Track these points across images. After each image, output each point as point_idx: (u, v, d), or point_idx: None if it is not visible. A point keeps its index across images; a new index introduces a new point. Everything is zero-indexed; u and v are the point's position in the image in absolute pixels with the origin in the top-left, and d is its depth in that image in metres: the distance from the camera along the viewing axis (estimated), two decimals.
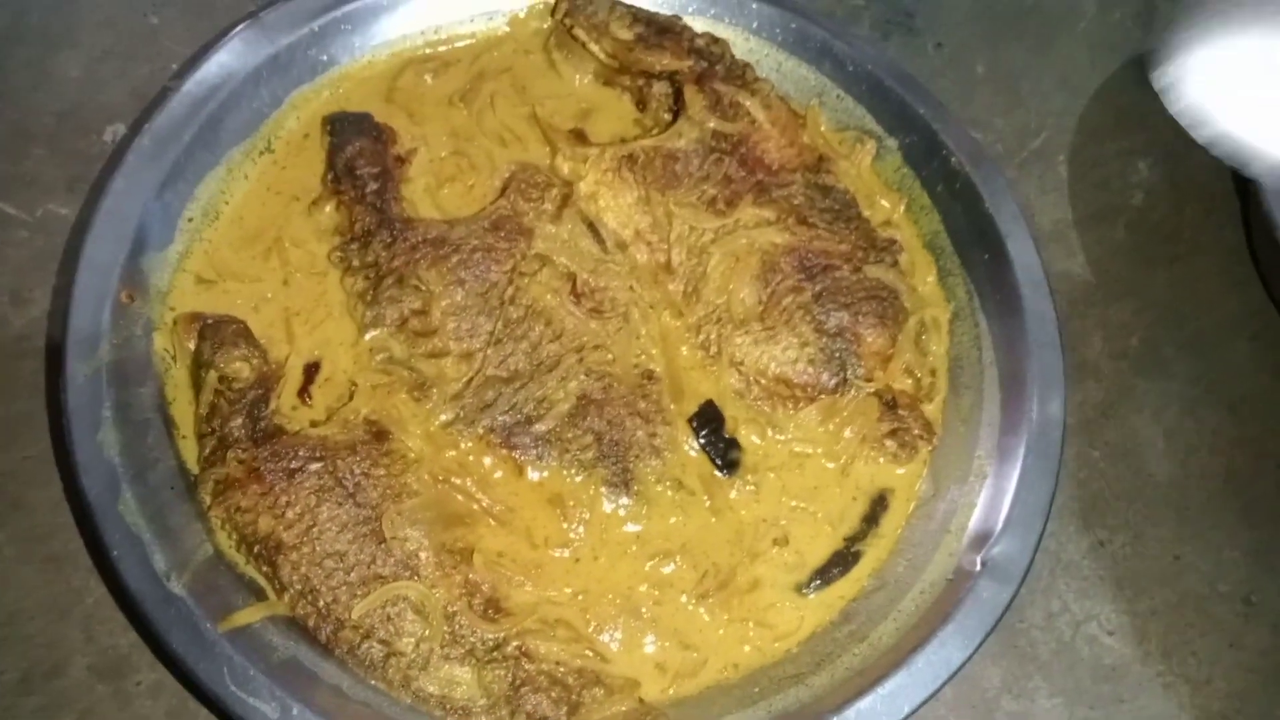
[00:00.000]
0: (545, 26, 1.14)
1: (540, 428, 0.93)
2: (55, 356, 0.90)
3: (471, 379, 0.94)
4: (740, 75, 1.10)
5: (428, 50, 1.11)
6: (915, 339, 1.03)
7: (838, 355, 0.99)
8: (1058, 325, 1.01)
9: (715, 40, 1.11)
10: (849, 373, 0.99)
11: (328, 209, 1.00)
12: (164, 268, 0.96)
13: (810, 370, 0.99)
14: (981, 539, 0.93)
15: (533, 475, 0.93)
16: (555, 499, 0.92)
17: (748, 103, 1.06)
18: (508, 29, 1.14)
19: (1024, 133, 1.28)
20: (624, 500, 0.93)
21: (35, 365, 1.00)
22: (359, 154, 1.00)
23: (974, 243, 1.07)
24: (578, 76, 1.13)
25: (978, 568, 0.91)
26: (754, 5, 1.14)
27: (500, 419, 0.93)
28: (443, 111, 1.08)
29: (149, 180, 0.95)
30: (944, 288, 1.08)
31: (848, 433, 0.99)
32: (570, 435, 0.93)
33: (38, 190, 1.08)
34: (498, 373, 0.94)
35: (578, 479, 0.93)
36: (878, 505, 0.98)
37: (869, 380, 0.99)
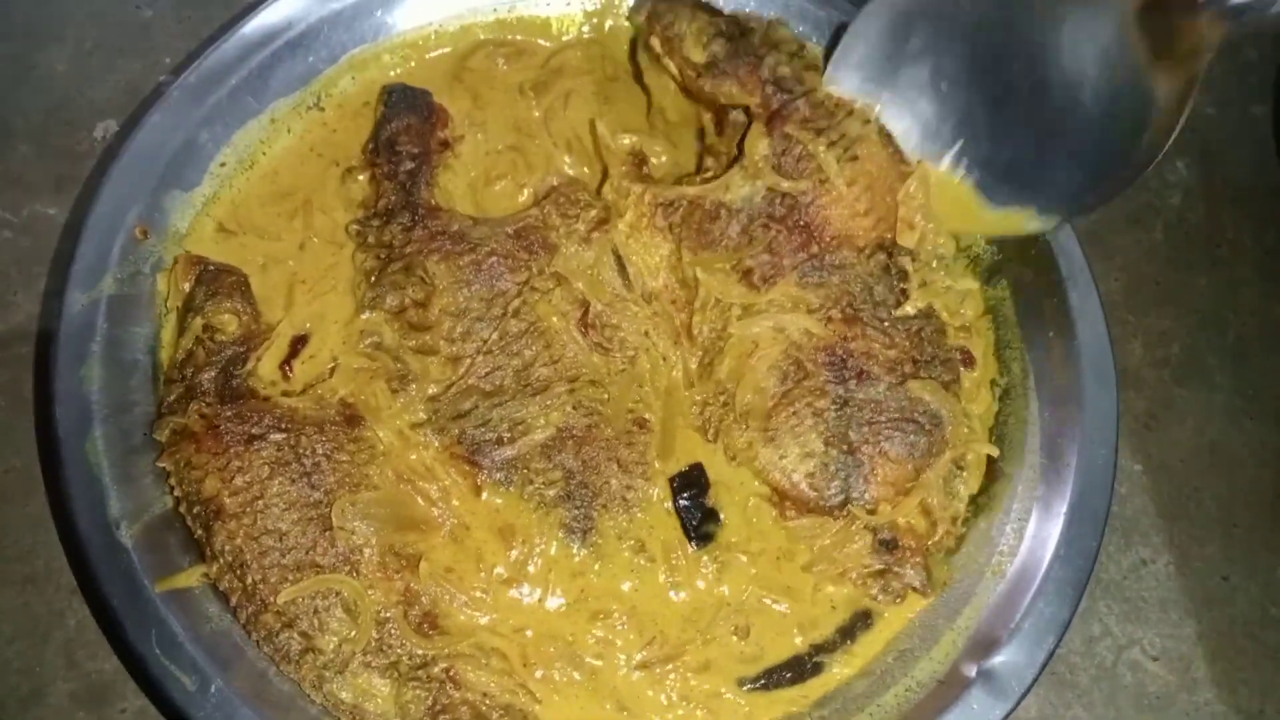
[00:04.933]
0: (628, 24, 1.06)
1: (508, 451, 0.88)
2: (58, 287, 0.88)
3: (453, 384, 0.89)
4: (829, 115, 0.94)
5: (502, 35, 1.04)
6: (946, 478, 0.90)
7: (842, 474, 0.88)
8: (1117, 424, 0.92)
9: (810, 68, 0.96)
10: (851, 496, 0.88)
11: (361, 179, 0.97)
12: (186, 209, 0.95)
13: (806, 485, 0.89)
14: (985, 645, 0.85)
15: (490, 499, 0.88)
16: (506, 529, 0.87)
17: (822, 155, 0.92)
18: (593, 24, 1.06)
19: None
20: (578, 549, 0.87)
21: (17, 374, 0.97)
22: (404, 130, 0.96)
23: (1039, 316, 0.96)
24: (659, 89, 1.02)
25: (973, 674, 0.84)
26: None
27: (470, 432, 0.88)
28: (510, 100, 1.02)
29: (188, 118, 0.94)
30: (999, 360, 0.98)
31: (833, 556, 0.89)
32: (538, 466, 0.88)
33: (23, 190, 1.05)
34: (480, 384, 0.89)
35: (534, 514, 0.87)
36: (859, 620, 0.89)
37: (872, 512, 0.88)
